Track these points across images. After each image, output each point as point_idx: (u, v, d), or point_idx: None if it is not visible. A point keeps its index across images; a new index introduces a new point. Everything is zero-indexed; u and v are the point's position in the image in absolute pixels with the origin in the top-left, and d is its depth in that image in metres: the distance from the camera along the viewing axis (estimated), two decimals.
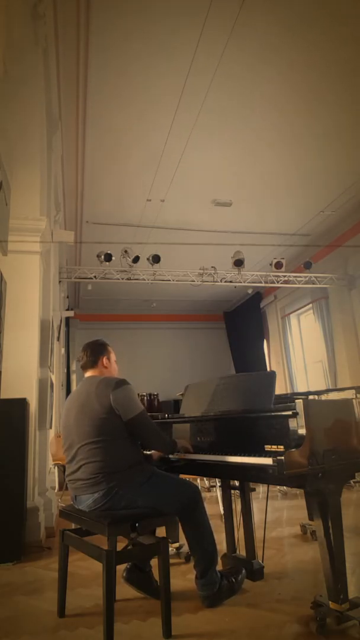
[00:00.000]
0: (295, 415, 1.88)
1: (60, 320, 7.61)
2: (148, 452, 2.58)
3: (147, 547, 2.07)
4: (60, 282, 6.88)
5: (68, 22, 3.75)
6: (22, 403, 3.32)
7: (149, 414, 2.34)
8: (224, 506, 2.78)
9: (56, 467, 5.70)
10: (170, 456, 2.56)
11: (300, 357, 9.36)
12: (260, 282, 7.55)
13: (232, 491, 2.74)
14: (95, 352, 2.43)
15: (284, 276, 7.49)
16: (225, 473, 2.50)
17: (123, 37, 3.86)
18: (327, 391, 4.82)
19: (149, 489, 2.12)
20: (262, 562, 2.51)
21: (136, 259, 6.52)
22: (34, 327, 3.74)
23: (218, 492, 4.24)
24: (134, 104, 4.60)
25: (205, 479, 5.31)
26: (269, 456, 1.86)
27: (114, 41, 3.89)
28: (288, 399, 2.31)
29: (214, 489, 5.22)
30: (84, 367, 2.43)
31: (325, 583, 1.90)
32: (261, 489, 5.12)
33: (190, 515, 2.20)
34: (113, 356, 2.50)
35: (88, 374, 2.42)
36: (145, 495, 2.10)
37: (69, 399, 2.37)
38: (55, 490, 5.29)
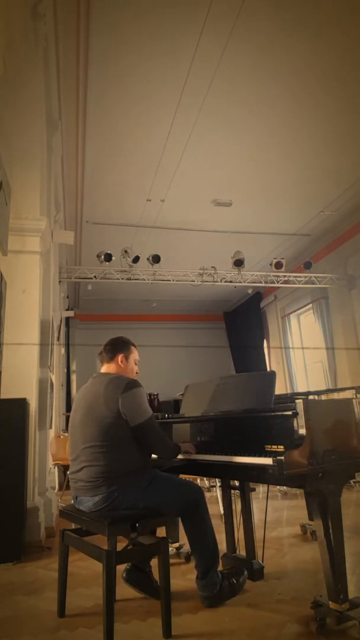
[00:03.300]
0: (295, 415, 1.88)
1: (60, 320, 7.61)
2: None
3: (147, 547, 2.07)
4: (60, 282, 6.88)
5: (68, 22, 3.75)
6: (22, 403, 3.31)
7: None
8: (224, 506, 2.78)
9: (56, 467, 5.70)
10: None
11: (300, 357, 9.36)
12: (260, 282, 7.55)
13: (232, 491, 2.74)
14: (115, 348, 2.36)
15: (284, 276, 7.49)
16: (225, 473, 2.50)
17: (123, 37, 3.86)
18: (327, 391, 4.82)
19: (151, 492, 2.10)
20: (262, 562, 2.51)
21: (136, 259, 6.53)
22: (34, 327, 3.74)
23: (218, 492, 4.24)
24: (134, 104, 4.61)
25: (205, 479, 5.31)
26: (269, 456, 1.86)
27: (114, 41, 3.89)
28: (288, 399, 2.31)
29: (214, 489, 5.22)
30: (101, 361, 2.38)
31: (325, 583, 1.90)
32: (261, 489, 5.11)
33: (192, 516, 2.19)
34: (134, 357, 2.41)
35: (103, 369, 2.36)
36: (147, 499, 2.08)
37: (78, 396, 2.32)
38: (55, 490, 5.29)
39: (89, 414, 2.14)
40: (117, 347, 2.38)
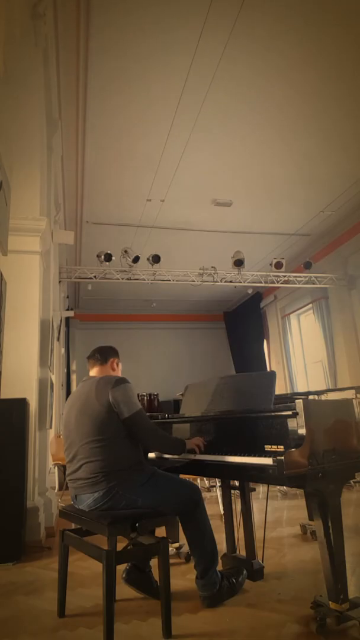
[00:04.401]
0: (295, 415, 1.88)
1: (60, 320, 7.61)
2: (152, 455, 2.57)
3: (147, 547, 2.07)
4: (60, 282, 6.88)
5: (68, 22, 3.75)
6: (22, 403, 3.32)
7: (149, 414, 2.34)
8: (224, 506, 2.78)
9: (56, 467, 5.70)
10: (169, 456, 2.56)
11: (300, 357, 9.36)
12: (260, 282, 7.55)
13: (232, 491, 2.74)
14: (109, 353, 2.48)
15: (284, 276, 7.49)
16: (225, 473, 2.50)
17: (123, 37, 3.86)
18: (327, 391, 4.82)
19: (149, 489, 2.12)
20: (262, 562, 2.51)
21: (136, 259, 6.53)
22: (34, 327, 3.74)
23: (218, 492, 4.24)
24: (134, 103, 4.61)
25: (205, 479, 5.31)
26: (269, 456, 1.86)
27: (114, 41, 3.89)
28: (288, 399, 2.31)
29: (214, 489, 5.22)
30: (92, 364, 2.45)
31: (325, 583, 1.90)
32: (261, 489, 5.12)
33: (191, 516, 2.20)
34: (121, 366, 2.54)
35: (93, 372, 2.44)
36: (146, 496, 2.10)
37: (70, 399, 2.37)
38: (55, 490, 5.29)
39: (83, 412, 2.19)
40: (110, 352, 2.50)
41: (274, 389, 2.27)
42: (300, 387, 9.06)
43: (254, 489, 2.88)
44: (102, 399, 2.15)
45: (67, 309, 9.58)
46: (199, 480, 4.54)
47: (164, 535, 2.34)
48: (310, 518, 3.04)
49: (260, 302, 10.46)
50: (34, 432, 3.62)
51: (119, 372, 2.49)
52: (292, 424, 1.91)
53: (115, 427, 2.13)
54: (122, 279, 6.79)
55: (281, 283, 7.59)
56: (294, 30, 3.84)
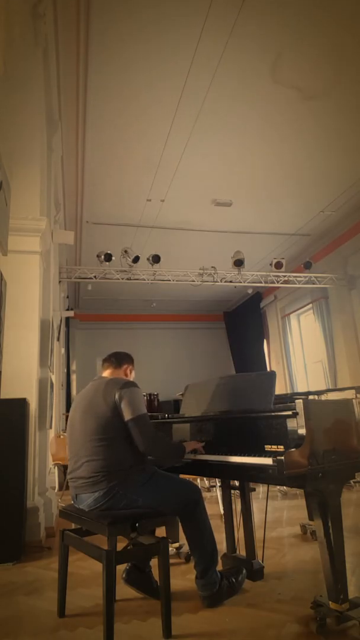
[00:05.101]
0: (295, 415, 1.88)
1: (60, 320, 7.61)
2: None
3: (147, 547, 2.07)
4: (60, 282, 6.88)
5: (68, 22, 3.75)
6: (22, 403, 3.31)
7: (148, 414, 2.34)
8: (224, 506, 2.78)
9: (56, 467, 5.70)
10: None
11: (300, 357, 9.36)
12: (260, 282, 7.55)
13: (232, 491, 2.74)
14: (124, 358, 2.50)
15: (284, 276, 7.49)
16: (225, 473, 2.50)
17: (123, 37, 3.86)
18: (327, 391, 4.82)
19: (150, 489, 2.12)
20: (262, 562, 2.51)
21: (136, 259, 6.53)
22: (34, 327, 3.74)
23: (218, 492, 4.24)
24: (134, 103, 4.60)
25: (205, 479, 5.31)
26: (269, 456, 1.86)
27: (114, 41, 3.89)
28: (288, 399, 2.31)
29: (214, 489, 5.22)
30: (107, 367, 2.47)
31: (325, 583, 1.90)
32: (261, 489, 5.12)
33: (191, 515, 2.20)
34: (134, 374, 2.56)
35: (105, 374, 2.45)
36: (146, 495, 2.09)
37: (77, 397, 2.39)
38: (55, 490, 5.29)
39: (88, 410, 2.19)
40: (126, 358, 2.52)
41: (274, 389, 2.27)
42: (300, 387, 9.06)
43: (254, 489, 2.88)
44: (109, 398, 2.16)
45: (67, 309, 9.58)
46: (199, 480, 4.53)
47: (164, 535, 2.35)
48: (310, 518, 3.04)
49: (260, 302, 10.46)
50: (34, 432, 3.62)
51: (131, 379, 2.47)
52: (292, 424, 1.91)
53: (119, 427, 2.13)
54: (122, 279, 6.79)
55: (281, 283, 7.59)
56: (293, 31, 3.84)
